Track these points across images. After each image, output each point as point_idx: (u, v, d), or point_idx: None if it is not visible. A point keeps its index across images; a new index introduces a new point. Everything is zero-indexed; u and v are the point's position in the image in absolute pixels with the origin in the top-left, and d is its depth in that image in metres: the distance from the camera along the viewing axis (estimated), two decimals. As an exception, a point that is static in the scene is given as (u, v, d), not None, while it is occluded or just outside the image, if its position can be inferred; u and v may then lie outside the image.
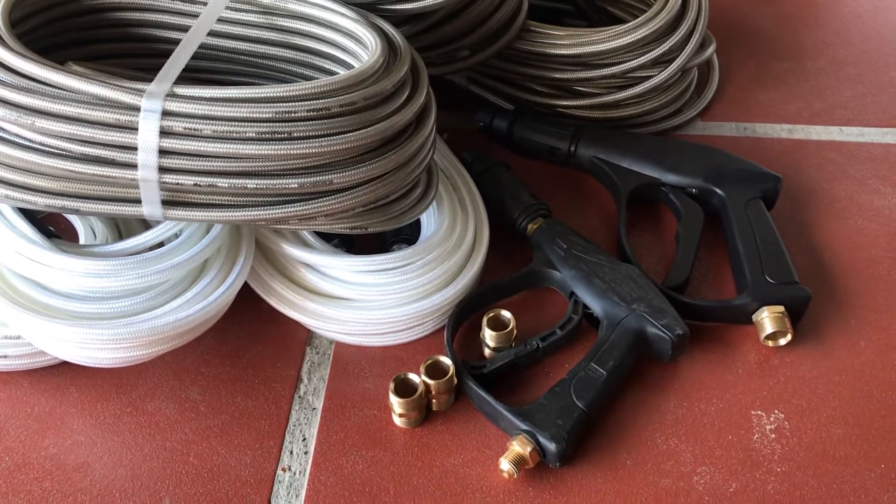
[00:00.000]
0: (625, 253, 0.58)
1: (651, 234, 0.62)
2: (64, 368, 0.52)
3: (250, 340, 0.55)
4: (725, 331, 0.56)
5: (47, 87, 0.44)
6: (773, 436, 0.51)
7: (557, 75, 0.65)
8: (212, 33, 0.51)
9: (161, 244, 0.50)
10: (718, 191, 0.61)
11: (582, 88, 0.67)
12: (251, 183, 0.45)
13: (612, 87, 0.66)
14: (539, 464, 0.48)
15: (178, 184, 0.45)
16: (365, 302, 0.53)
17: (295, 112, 0.44)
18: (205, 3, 0.53)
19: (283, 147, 0.44)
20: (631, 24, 0.64)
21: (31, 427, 0.51)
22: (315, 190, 0.47)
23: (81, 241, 0.56)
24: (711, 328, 0.56)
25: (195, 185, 0.45)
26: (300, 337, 0.56)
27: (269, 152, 0.44)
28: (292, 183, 0.46)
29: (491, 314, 0.53)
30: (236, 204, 0.46)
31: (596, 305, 0.54)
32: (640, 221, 0.63)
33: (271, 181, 0.46)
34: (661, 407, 0.52)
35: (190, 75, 0.48)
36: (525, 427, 0.48)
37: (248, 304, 0.54)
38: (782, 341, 0.55)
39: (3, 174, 0.45)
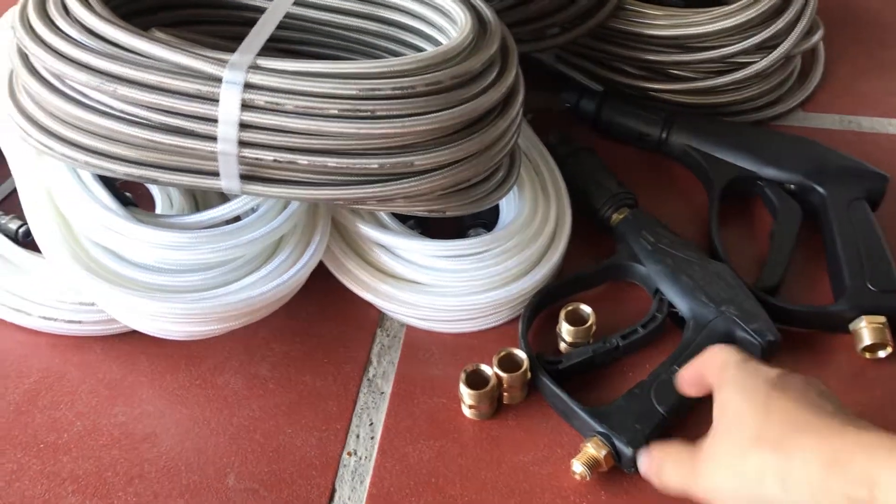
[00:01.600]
0: (715, 249, 0.55)
1: (744, 230, 0.59)
2: (135, 336, 0.52)
3: (321, 319, 0.54)
4: (819, 339, 0.53)
5: (131, 55, 0.44)
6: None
7: (651, 57, 0.62)
8: (298, 2, 0.50)
9: (238, 218, 0.49)
10: (819, 188, 0.57)
11: (677, 72, 0.63)
12: (331, 161, 0.44)
13: (709, 72, 0.63)
14: (613, 467, 0.46)
15: (257, 159, 0.44)
16: (439, 287, 0.52)
17: (379, 90, 0.43)
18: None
19: (365, 126, 0.43)
20: (735, 5, 0.60)
21: (101, 393, 0.51)
22: (395, 171, 0.45)
23: (158, 209, 0.55)
24: (804, 335, 0.53)
25: (275, 160, 0.44)
26: (371, 318, 0.55)
27: (351, 130, 0.43)
28: (373, 163, 0.44)
29: (570, 307, 0.51)
30: (315, 182, 0.45)
31: (682, 304, 0.51)
32: (733, 216, 0.59)
33: (351, 160, 0.44)
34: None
35: (272, 45, 0.46)
36: (601, 429, 0.46)
37: (319, 282, 0.53)
38: (881, 354, 0.51)
39: (84, 140, 0.45)
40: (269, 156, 0.44)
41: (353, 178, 0.45)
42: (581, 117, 0.64)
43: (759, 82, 0.64)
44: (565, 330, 0.51)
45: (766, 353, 0.49)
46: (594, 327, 0.51)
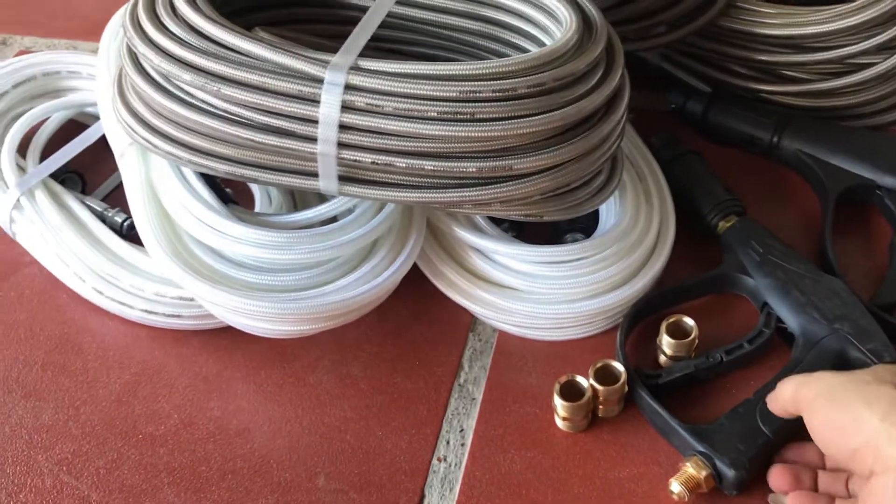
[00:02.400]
0: (828, 262, 0.52)
1: (860, 242, 0.55)
2: (231, 332, 0.52)
3: (413, 321, 0.54)
4: (941, 361, 0.49)
5: (235, 55, 0.44)
6: None
7: (764, 57, 0.59)
8: (400, 1, 0.49)
9: (334, 219, 0.49)
10: (946, 199, 0.53)
11: (791, 73, 0.60)
12: (429, 164, 0.43)
13: (825, 74, 0.59)
14: (713, 489, 0.44)
15: (355, 160, 0.43)
16: (534, 294, 0.50)
17: (480, 92, 0.42)
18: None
19: (464, 129, 0.42)
20: (855, 3, 0.56)
21: (198, 387, 0.52)
22: (493, 175, 0.44)
23: (257, 207, 0.56)
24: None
25: (372, 162, 0.43)
26: (463, 322, 0.54)
27: (450, 133, 0.42)
28: (471, 167, 0.43)
29: (672, 319, 0.49)
30: (412, 185, 0.44)
31: (792, 320, 0.49)
32: (848, 227, 0.56)
33: (449, 163, 0.43)
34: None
35: (372, 44, 0.46)
36: (702, 448, 0.44)
37: (412, 284, 0.53)
38: None
39: (188, 139, 0.45)
40: (367, 158, 0.43)
41: (450, 182, 0.44)
42: (687, 119, 0.62)
43: (879, 85, 0.60)
44: (666, 343, 0.49)
45: (884, 377, 0.46)
46: (696, 341, 0.49)
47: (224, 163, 0.45)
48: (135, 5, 0.47)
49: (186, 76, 0.44)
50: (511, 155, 0.43)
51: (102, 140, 0.59)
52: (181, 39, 0.45)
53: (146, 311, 0.52)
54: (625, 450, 0.47)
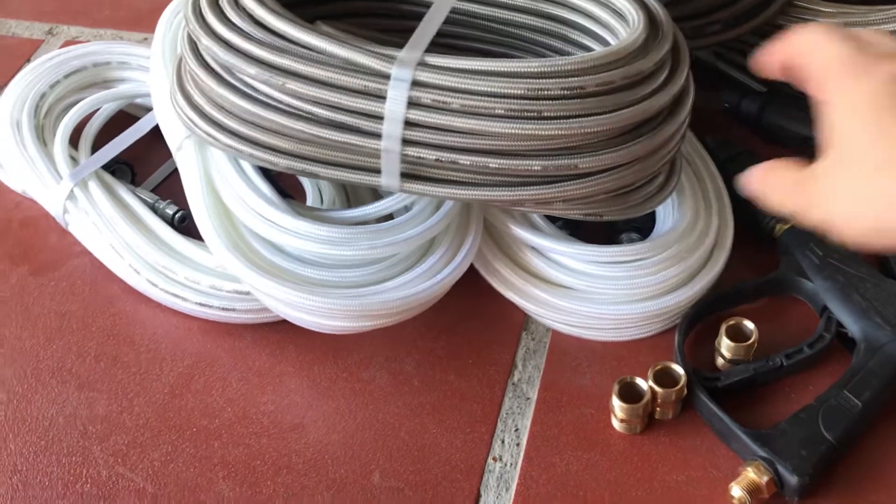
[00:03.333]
0: (888, 265, 0.51)
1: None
2: (284, 326, 0.52)
3: (467, 318, 0.54)
4: None
5: (300, 48, 0.43)
6: None
7: (822, 57, 0.58)
8: None
9: (390, 216, 0.49)
10: None
11: (849, 73, 0.59)
12: (493, 162, 0.43)
13: (884, 74, 0.58)
14: (774, 494, 0.44)
15: (419, 157, 0.43)
16: (590, 293, 0.50)
17: (548, 90, 0.41)
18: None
19: (530, 126, 0.41)
20: (918, 3, 0.55)
21: (251, 381, 0.52)
22: (557, 174, 0.43)
23: (309, 202, 0.56)
24: None
25: (437, 160, 0.43)
26: (516, 320, 0.54)
27: (516, 131, 0.41)
28: (535, 164, 0.43)
29: (731, 322, 0.49)
30: (475, 182, 0.44)
31: (853, 325, 0.48)
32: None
33: (514, 161, 0.43)
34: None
35: (435, 39, 0.46)
36: (763, 453, 0.44)
37: (465, 280, 0.52)
38: None
39: (249, 133, 0.45)
40: (431, 154, 0.43)
41: (513, 180, 0.44)
42: (742, 119, 0.61)
43: (940, 86, 0.59)
44: (725, 346, 0.48)
45: (949, 383, 0.45)
46: (756, 344, 0.48)
47: (285, 157, 0.45)
48: None
49: (251, 70, 0.43)
50: (576, 153, 0.43)
51: (151, 131, 0.59)
52: (245, 32, 0.44)
53: (200, 304, 0.52)
54: (683, 453, 0.47)
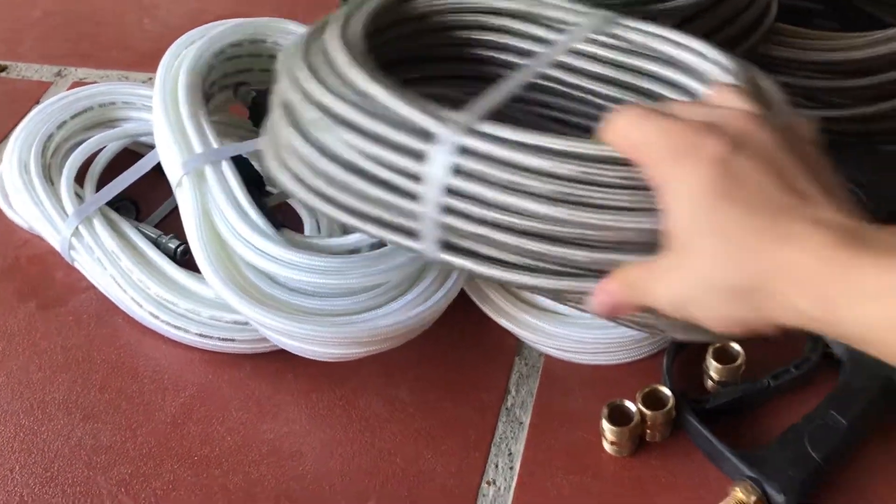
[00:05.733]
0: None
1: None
2: (283, 355, 0.53)
3: (459, 345, 0.55)
4: None
5: (359, 97, 0.40)
6: None
7: (806, 83, 0.59)
8: (559, 64, 0.46)
9: (383, 243, 0.51)
10: None
11: (833, 98, 0.60)
12: (534, 245, 0.38)
13: (867, 99, 0.60)
14: (763, 515, 0.45)
15: (457, 227, 0.39)
16: (580, 319, 0.51)
17: (601, 177, 0.36)
18: (564, 31, 0.46)
19: (577, 213, 0.36)
20: (897, 28, 0.57)
21: (251, 410, 0.53)
22: (602, 269, 0.38)
23: (306, 232, 0.57)
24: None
25: (474, 233, 0.39)
26: (509, 346, 0.55)
27: (561, 216, 0.37)
28: (579, 255, 0.38)
29: (718, 345, 0.50)
30: (514, 264, 0.39)
31: (838, 345, 0.49)
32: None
33: (556, 248, 0.38)
34: (907, 461, 0.47)
35: (526, 107, 0.44)
36: (751, 473, 0.44)
37: (458, 308, 0.54)
38: None
39: (304, 173, 0.42)
40: (470, 227, 0.39)
41: (552, 267, 0.39)
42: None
43: (923, 108, 0.60)
44: (713, 367, 0.49)
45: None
46: (743, 366, 0.49)
47: (329, 205, 0.42)
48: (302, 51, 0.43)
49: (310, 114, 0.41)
50: (624, 249, 0.37)
51: (154, 168, 0.61)
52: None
53: (201, 334, 0.53)
54: (673, 475, 0.47)
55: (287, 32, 0.62)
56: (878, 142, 0.61)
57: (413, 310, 0.48)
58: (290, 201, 0.60)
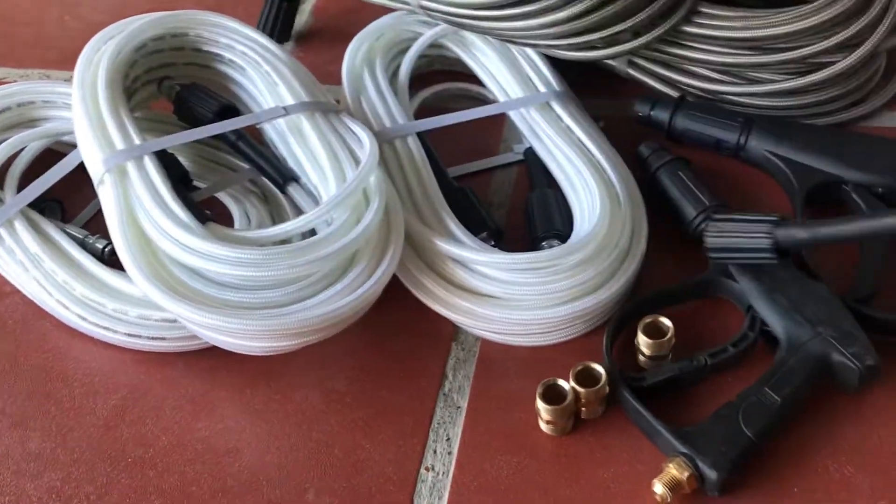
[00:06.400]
0: (801, 257, 0.53)
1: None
2: (216, 352, 0.52)
3: (396, 333, 0.55)
4: (916, 349, 0.50)
5: None
6: (966, 472, 0.45)
7: (728, 60, 0.60)
8: None
9: (314, 231, 0.50)
10: (910, 191, 0.54)
11: (755, 75, 0.61)
12: None
13: (789, 73, 0.61)
14: (696, 490, 0.45)
15: None
16: (513, 301, 0.51)
17: None
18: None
19: None
20: (815, 4, 0.58)
21: (185, 409, 0.52)
22: None
23: (237, 225, 0.56)
24: (899, 345, 0.50)
25: None
26: (446, 332, 0.55)
27: None
28: None
29: (648, 320, 0.50)
30: None
31: (776, 324, 0.49)
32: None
33: None
34: (835, 431, 0.48)
35: None
36: (684, 450, 0.45)
37: (394, 296, 0.53)
38: None
39: None
40: None
41: None
42: (654, 126, 0.63)
43: (841, 82, 0.61)
44: (643, 342, 0.50)
45: (865, 379, 0.47)
46: (674, 340, 0.50)
47: None
48: None
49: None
50: None
51: (82, 167, 0.60)
52: None
53: (130, 334, 0.52)
54: (608, 451, 0.48)
55: (210, 25, 0.61)
56: (798, 116, 0.62)
57: (343, 299, 0.47)
58: (218, 195, 0.59)
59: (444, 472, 0.48)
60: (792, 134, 0.59)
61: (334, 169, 0.53)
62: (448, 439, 0.50)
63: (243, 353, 0.49)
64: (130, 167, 0.51)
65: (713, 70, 0.62)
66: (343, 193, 0.50)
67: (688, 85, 0.63)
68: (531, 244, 0.55)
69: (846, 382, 0.47)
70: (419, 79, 0.69)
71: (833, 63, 0.60)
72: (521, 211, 0.59)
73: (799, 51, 0.59)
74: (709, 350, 0.49)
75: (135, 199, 0.50)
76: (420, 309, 0.55)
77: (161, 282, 0.47)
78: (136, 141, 0.52)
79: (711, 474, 0.44)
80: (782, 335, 0.49)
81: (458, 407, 0.51)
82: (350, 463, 0.49)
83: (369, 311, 0.51)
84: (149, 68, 0.60)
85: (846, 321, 0.48)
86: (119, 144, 0.52)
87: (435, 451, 0.49)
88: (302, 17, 0.79)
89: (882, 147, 0.57)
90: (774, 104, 0.61)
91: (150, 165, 0.51)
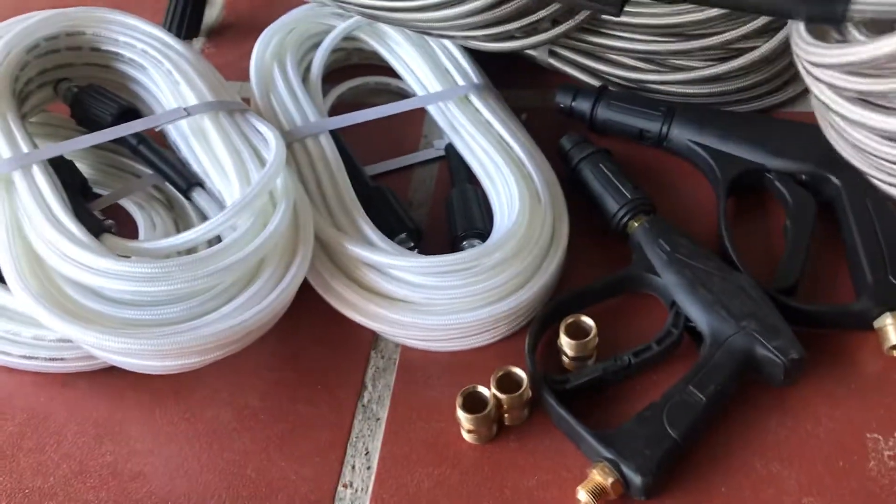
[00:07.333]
0: (724, 249, 0.52)
1: (756, 227, 0.55)
2: (121, 371, 0.49)
3: (312, 343, 0.52)
4: (840, 339, 0.49)
5: None
6: (892, 463, 0.45)
7: (650, 47, 0.59)
8: None
9: (219, 238, 0.47)
10: (832, 178, 0.53)
11: (677, 62, 0.60)
12: None
13: (710, 60, 0.59)
14: (622, 495, 0.44)
15: None
16: (431, 305, 0.49)
17: None
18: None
19: None
20: (734, -12, 0.56)
21: (88, 433, 0.49)
22: None
23: (141, 235, 0.53)
24: (824, 336, 0.49)
25: None
26: (365, 340, 0.52)
27: None
28: None
29: (570, 320, 0.48)
30: None
31: (700, 319, 0.48)
32: (744, 213, 0.56)
33: None
34: (760, 426, 0.47)
35: None
36: (607, 454, 0.43)
37: (310, 304, 0.51)
38: (909, 352, 0.48)
39: None
40: None
41: None
42: (576, 117, 0.61)
43: (763, 68, 0.60)
44: (565, 343, 0.48)
45: (790, 372, 0.45)
46: (597, 339, 0.48)
47: None
48: None
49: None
50: None
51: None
52: None
53: (25, 356, 0.49)
54: (533, 457, 0.46)
55: (108, 22, 0.57)
56: (722, 103, 0.61)
57: (248, 311, 0.45)
58: (121, 202, 0.56)
59: (362, 489, 0.46)
60: (714, 122, 0.57)
61: (238, 172, 0.50)
62: (367, 453, 0.47)
63: (148, 372, 0.46)
64: (17, 177, 0.48)
65: (635, 58, 0.61)
66: (247, 197, 0.47)
67: (610, 74, 0.62)
68: (452, 244, 0.53)
69: (772, 377, 0.46)
70: (338, 74, 0.66)
71: (754, 48, 0.58)
72: (443, 209, 0.57)
73: (719, 36, 0.58)
74: (633, 349, 0.48)
75: (22, 212, 0.47)
76: (338, 317, 0.52)
77: (50, 301, 0.44)
78: (25, 149, 0.49)
79: (636, 479, 0.43)
80: (706, 331, 0.48)
81: (378, 418, 0.49)
82: (264, 483, 0.46)
83: (284, 320, 0.48)
84: (43, 70, 0.57)
85: (771, 314, 0.47)
86: (4, 153, 0.48)
87: (353, 467, 0.47)
88: (213, 12, 0.76)
89: (803, 134, 0.56)
90: (697, 91, 0.60)
91: (40, 175, 0.48)
